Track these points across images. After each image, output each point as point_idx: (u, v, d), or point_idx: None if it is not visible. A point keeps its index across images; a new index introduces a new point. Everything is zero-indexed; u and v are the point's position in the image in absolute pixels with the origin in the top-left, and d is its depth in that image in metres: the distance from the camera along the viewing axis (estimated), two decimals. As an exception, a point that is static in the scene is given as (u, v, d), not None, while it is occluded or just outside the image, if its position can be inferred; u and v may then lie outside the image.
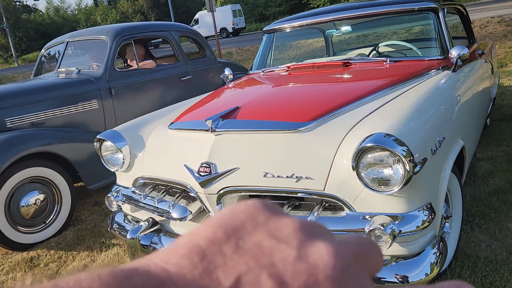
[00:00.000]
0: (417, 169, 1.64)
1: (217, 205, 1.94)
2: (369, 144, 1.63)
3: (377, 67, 2.71)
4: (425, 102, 2.10)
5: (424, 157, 1.72)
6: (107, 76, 4.02)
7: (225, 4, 34.89)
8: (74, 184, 3.57)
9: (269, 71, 3.14)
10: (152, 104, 4.28)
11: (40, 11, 62.30)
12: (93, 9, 57.66)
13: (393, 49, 3.37)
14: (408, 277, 1.70)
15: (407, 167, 1.61)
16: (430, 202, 1.79)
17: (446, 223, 2.21)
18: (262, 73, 3.16)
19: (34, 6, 59.96)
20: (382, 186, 1.67)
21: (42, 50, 4.83)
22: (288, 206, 1.86)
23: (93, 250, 3.08)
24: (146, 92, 4.35)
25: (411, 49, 3.12)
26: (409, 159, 1.61)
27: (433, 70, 2.61)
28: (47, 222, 3.36)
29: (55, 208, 3.41)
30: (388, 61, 2.72)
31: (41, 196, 3.31)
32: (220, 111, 2.12)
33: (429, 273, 1.72)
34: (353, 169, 1.69)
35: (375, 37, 7.92)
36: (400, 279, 1.70)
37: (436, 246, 1.79)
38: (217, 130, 2.01)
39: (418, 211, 1.72)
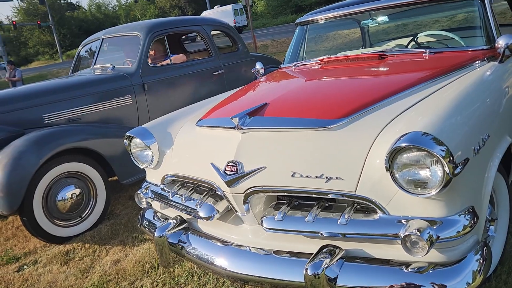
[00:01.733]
0: (457, 170, 1.51)
1: (244, 204, 1.89)
2: (404, 144, 1.52)
3: (416, 59, 2.55)
4: (468, 97, 1.94)
5: (466, 157, 1.59)
6: (140, 71, 4.05)
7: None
8: (109, 179, 3.63)
9: (301, 65, 3.04)
10: (185, 99, 4.28)
11: (83, 8, 64.48)
12: (132, 5, 58.97)
13: (434, 39, 3.17)
14: (446, 286, 1.57)
15: (446, 169, 1.48)
16: (472, 205, 1.65)
17: (491, 226, 2.05)
18: (294, 67, 3.06)
19: (77, 4, 62.14)
20: (419, 189, 1.55)
21: (80, 47, 4.95)
22: (318, 207, 1.77)
23: (126, 244, 3.12)
24: (179, 87, 4.36)
25: (453, 39, 2.92)
26: (448, 159, 1.48)
27: (477, 62, 2.42)
28: (83, 216, 3.44)
29: (91, 203, 3.49)
30: (427, 53, 2.55)
31: (77, 191, 3.39)
32: (247, 107, 2.05)
33: (471, 282, 1.58)
34: (387, 170, 1.58)
35: (415, 26, 7.56)
36: (437, 288, 1.58)
37: (479, 252, 1.65)
38: (243, 127, 1.94)
39: (459, 215, 1.58)
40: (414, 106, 1.89)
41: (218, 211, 2.02)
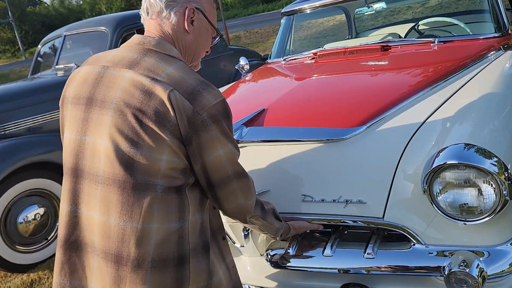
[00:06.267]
0: (515, 189, 1.22)
1: (244, 238, 1.55)
2: (450, 162, 1.22)
3: (424, 50, 2.27)
4: (497, 95, 1.67)
5: (518, 171, 1.31)
6: (108, 71, 3.63)
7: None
8: (78, 194, 3.22)
9: (292, 59, 2.71)
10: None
11: (45, 3, 62.04)
12: (97, -2, 56.99)
13: (434, 27, 2.89)
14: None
15: (503, 188, 1.19)
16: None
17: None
18: (283, 62, 2.73)
19: (39, -2, 59.68)
20: (465, 214, 1.27)
21: (39, 46, 4.45)
22: (336, 238, 1.46)
23: (102, 271, 2.74)
24: (153, 87, 3.96)
25: (457, 26, 2.65)
26: (504, 176, 1.20)
27: (492, 52, 2.15)
28: (49, 238, 3.03)
29: (57, 223, 3.07)
30: (436, 42, 2.26)
31: (41, 210, 2.98)
32: (242, 116, 1.71)
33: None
34: (424, 192, 1.28)
35: (407, 10, 7.24)
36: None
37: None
38: (240, 141, 1.60)
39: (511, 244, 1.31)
40: (440, 108, 1.60)
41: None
